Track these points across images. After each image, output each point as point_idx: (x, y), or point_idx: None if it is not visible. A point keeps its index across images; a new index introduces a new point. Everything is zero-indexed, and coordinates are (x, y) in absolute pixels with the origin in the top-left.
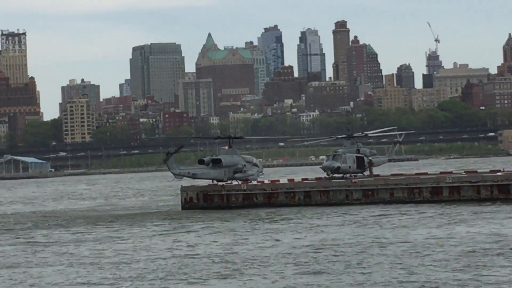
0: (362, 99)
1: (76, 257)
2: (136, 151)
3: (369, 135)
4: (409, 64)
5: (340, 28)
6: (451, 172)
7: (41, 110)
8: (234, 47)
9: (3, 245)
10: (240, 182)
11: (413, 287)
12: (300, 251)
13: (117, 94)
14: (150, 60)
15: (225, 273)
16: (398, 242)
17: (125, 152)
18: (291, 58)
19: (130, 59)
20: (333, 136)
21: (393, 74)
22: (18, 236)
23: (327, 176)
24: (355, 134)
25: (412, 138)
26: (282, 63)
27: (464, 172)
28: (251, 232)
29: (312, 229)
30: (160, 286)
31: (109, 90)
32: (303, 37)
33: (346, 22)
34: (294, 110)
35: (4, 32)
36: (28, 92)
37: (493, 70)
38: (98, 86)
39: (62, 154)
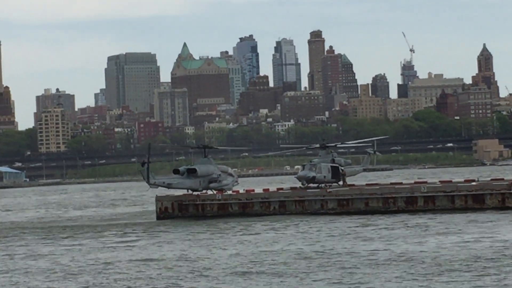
0: (337, 109)
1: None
2: (111, 161)
3: (339, 146)
4: (384, 74)
5: (315, 38)
6: (425, 182)
7: (16, 120)
8: (209, 57)
9: None
10: (215, 192)
11: None
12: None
13: (92, 103)
14: (125, 69)
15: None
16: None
17: (100, 161)
18: (266, 67)
19: (105, 69)
20: (307, 145)
21: (368, 84)
22: None
23: (302, 186)
24: (329, 144)
25: (386, 147)
26: (258, 72)
27: (439, 181)
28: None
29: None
30: None
31: (84, 99)
32: (278, 47)
33: (321, 32)
34: (270, 119)
35: None
36: (2, 102)
37: (468, 80)
38: (73, 96)
39: (37, 164)
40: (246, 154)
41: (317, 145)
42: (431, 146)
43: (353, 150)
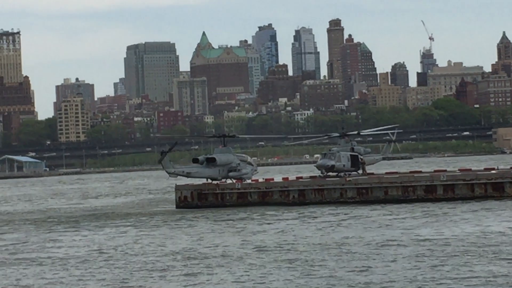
0: (356, 97)
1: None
2: (131, 150)
3: (363, 133)
4: (403, 62)
5: (335, 27)
6: (445, 170)
7: (36, 110)
8: (229, 46)
9: None
10: (234, 181)
11: None
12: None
13: (111, 93)
14: (144, 59)
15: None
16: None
17: (119, 151)
18: (285, 56)
19: (125, 58)
20: (327, 134)
21: (387, 73)
22: None
23: (321, 175)
24: (349, 133)
25: (406, 136)
26: (277, 61)
27: (458, 170)
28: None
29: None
30: None
31: (103, 89)
32: (297, 36)
33: (340, 20)
34: (289, 108)
35: None
36: (22, 92)
37: (487, 68)
38: (92, 85)
39: (57, 154)
40: (262, 143)
41: (336, 134)
42: (451, 135)
43: (370, 139)
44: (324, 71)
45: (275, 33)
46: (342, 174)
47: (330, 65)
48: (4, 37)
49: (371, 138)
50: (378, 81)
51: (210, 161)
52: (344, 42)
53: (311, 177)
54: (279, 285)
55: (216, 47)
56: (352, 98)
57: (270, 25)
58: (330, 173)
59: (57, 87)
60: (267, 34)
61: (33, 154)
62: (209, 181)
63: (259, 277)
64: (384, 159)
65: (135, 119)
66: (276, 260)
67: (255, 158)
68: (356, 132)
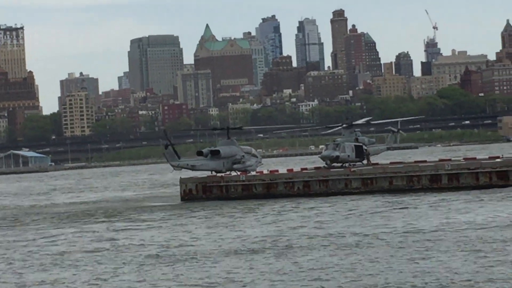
0: (361, 87)
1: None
2: (136, 144)
3: (372, 122)
4: (407, 52)
5: (338, 17)
6: (450, 160)
7: (40, 104)
8: (232, 38)
9: None
10: (239, 173)
11: None
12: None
13: (116, 87)
14: (148, 52)
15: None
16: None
17: (125, 144)
18: (289, 48)
19: (129, 52)
20: (332, 125)
21: (391, 62)
22: None
23: (326, 166)
24: (355, 122)
25: (411, 126)
26: (281, 53)
27: (463, 159)
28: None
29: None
30: None
31: (108, 83)
32: (301, 27)
33: (344, 11)
34: (293, 100)
35: (1, 27)
36: (27, 86)
37: (492, 57)
38: (96, 79)
39: (62, 148)
40: (261, 135)
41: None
42: (456, 124)
43: (372, 129)
44: (328, 62)
45: (279, 25)
46: (346, 164)
47: (334, 55)
48: (8, 33)
49: (373, 128)
50: (383, 71)
51: (215, 154)
52: (348, 32)
53: (315, 168)
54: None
55: (219, 39)
56: (357, 88)
57: (273, 16)
58: (335, 164)
59: (62, 81)
60: (271, 25)
61: (44, 148)
62: (214, 173)
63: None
64: (388, 149)
65: (140, 112)
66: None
67: (260, 150)
68: (365, 122)
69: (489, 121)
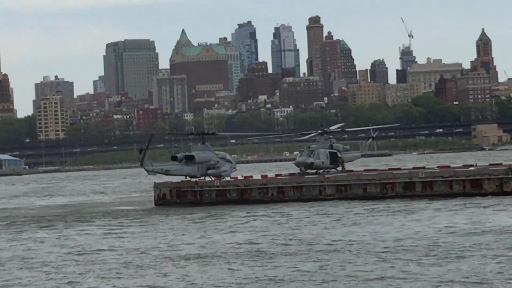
0: (336, 94)
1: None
2: (110, 148)
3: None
4: (382, 59)
5: (314, 24)
6: (424, 167)
7: (15, 107)
8: (208, 43)
9: None
10: (213, 178)
11: None
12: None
13: (91, 91)
14: (124, 56)
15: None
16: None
17: (99, 148)
18: (265, 54)
19: (104, 56)
20: (307, 132)
21: (367, 70)
22: None
23: (300, 172)
24: (330, 128)
25: (386, 133)
26: (256, 59)
27: (437, 167)
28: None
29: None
30: None
31: (83, 87)
32: (277, 33)
33: (319, 17)
34: (268, 106)
35: None
36: (1, 89)
37: (467, 65)
38: (72, 83)
39: (36, 152)
40: (233, 140)
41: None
42: (430, 132)
43: (345, 136)
44: (303, 69)
45: (255, 31)
46: (321, 171)
47: (309, 62)
48: None
49: (346, 136)
50: (358, 78)
51: (189, 159)
52: (324, 39)
53: (290, 174)
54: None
55: (195, 44)
56: (332, 95)
57: (249, 22)
58: (309, 170)
59: (37, 85)
60: (247, 31)
61: (18, 152)
62: (188, 178)
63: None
64: (363, 156)
65: (115, 116)
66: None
67: (235, 155)
68: (339, 129)
69: (463, 130)
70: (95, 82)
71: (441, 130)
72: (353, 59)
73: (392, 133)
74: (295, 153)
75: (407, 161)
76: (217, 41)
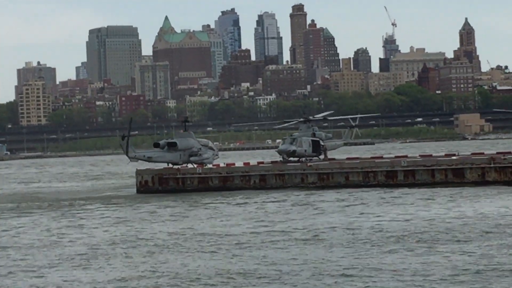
0: (319, 82)
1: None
2: (93, 134)
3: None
4: (366, 48)
5: (297, 12)
6: (406, 156)
7: None
8: (191, 30)
9: None
10: (195, 166)
11: None
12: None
13: (73, 77)
14: (106, 43)
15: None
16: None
17: (81, 135)
18: (248, 41)
19: (87, 42)
20: (288, 120)
21: (350, 58)
22: None
23: (282, 160)
24: (317, 116)
25: (368, 122)
26: (239, 46)
27: (419, 156)
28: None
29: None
30: None
31: (65, 73)
32: (260, 21)
33: (303, 6)
34: (251, 93)
35: None
36: None
37: (450, 55)
38: (54, 69)
39: (18, 137)
40: (210, 128)
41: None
42: (412, 120)
43: (325, 124)
44: (286, 56)
45: (238, 18)
46: (303, 159)
47: (292, 50)
48: None
49: (326, 124)
50: (341, 66)
51: (171, 146)
52: (307, 27)
53: (272, 162)
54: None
55: (178, 31)
56: (315, 83)
57: (233, 10)
58: (292, 158)
59: (19, 70)
60: (230, 18)
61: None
62: (170, 165)
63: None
64: (345, 144)
65: (97, 103)
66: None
67: (217, 143)
68: (325, 116)
69: (446, 119)
70: (77, 68)
71: (423, 119)
72: (336, 47)
73: (375, 122)
74: (278, 141)
75: (390, 150)
76: (200, 28)
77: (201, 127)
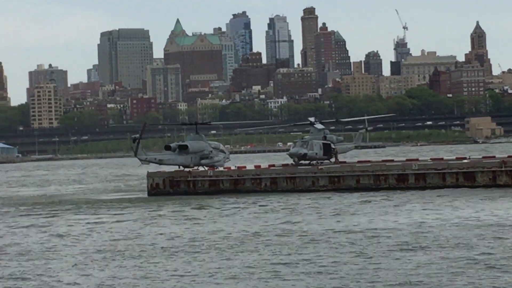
0: (330, 86)
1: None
2: (104, 137)
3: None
4: (377, 51)
5: (309, 15)
6: (417, 159)
7: (8, 95)
8: (203, 33)
9: None
10: (206, 168)
11: None
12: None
13: (84, 79)
14: (118, 45)
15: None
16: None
17: (92, 137)
18: (259, 44)
19: (98, 45)
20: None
21: (361, 61)
22: None
23: (293, 163)
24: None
25: (379, 125)
26: (251, 49)
27: (430, 159)
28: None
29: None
30: None
31: (76, 75)
32: (271, 24)
33: (314, 9)
34: (262, 96)
35: None
36: None
37: (461, 58)
38: (65, 72)
39: (29, 140)
40: (214, 131)
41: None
42: (423, 124)
43: (333, 127)
44: (298, 59)
45: (249, 21)
46: (314, 162)
47: (304, 53)
48: None
49: (333, 127)
50: (352, 69)
51: (182, 148)
52: (318, 30)
53: (283, 165)
54: None
55: (190, 34)
56: (326, 86)
57: (244, 12)
58: (302, 161)
59: (30, 73)
60: (241, 21)
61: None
62: (181, 168)
63: None
64: (356, 147)
65: (108, 105)
66: None
67: (228, 145)
68: (334, 120)
69: (457, 122)
70: (89, 71)
71: (433, 122)
72: (347, 51)
73: (382, 125)
74: (289, 143)
75: (401, 153)
76: (211, 31)
77: (213, 129)
